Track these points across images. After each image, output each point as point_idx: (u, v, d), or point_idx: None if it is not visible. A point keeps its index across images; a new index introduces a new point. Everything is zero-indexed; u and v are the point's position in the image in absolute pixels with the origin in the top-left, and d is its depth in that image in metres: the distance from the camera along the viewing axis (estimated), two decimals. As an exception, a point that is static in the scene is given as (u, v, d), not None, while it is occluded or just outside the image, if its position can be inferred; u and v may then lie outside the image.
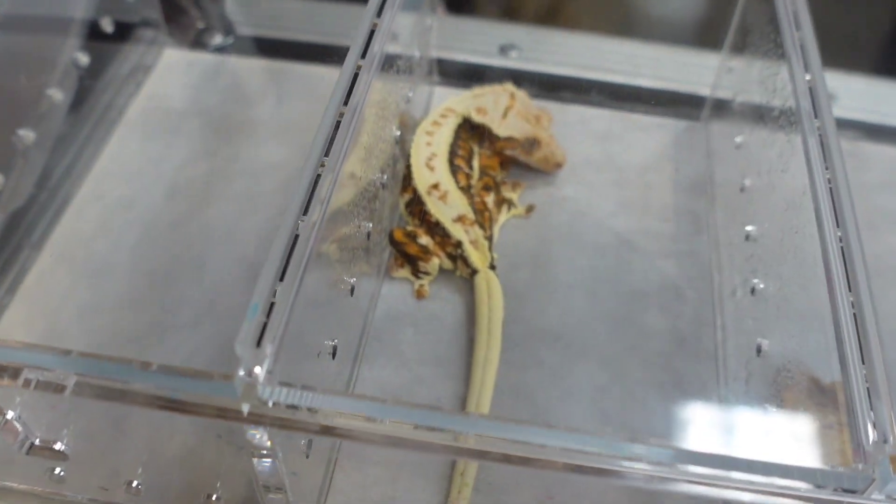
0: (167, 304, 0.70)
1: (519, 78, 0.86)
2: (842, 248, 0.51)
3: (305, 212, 0.50)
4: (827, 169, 0.55)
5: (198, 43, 0.93)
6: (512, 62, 0.91)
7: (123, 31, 0.90)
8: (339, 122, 0.55)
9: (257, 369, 0.43)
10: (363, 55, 0.59)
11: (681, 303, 0.72)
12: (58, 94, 0.79)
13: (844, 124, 0.88)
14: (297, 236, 0.49)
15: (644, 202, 0.79)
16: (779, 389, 0.59)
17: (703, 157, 0.83)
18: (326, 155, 0.53)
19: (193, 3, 0.94)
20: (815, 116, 0.58)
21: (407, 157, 0.74)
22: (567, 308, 0.71)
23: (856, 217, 0.52)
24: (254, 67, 0.91)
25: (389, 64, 0.66)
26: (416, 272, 0.72)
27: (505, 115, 0.77)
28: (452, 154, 0.74)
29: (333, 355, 0.58)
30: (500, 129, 0.76)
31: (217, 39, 0.93)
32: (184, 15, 0.94)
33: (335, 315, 0.59)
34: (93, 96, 0.85)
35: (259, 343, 0.43)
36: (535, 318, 0.70)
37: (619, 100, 0.88)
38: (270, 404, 0.43)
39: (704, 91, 0.87)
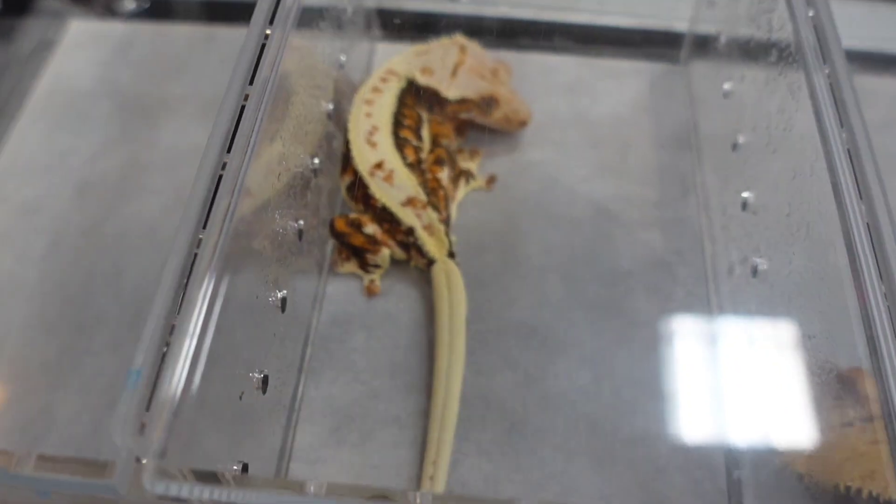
0: (82, 324, 0.60)
1: (474, 26, 0.74)
2: (868, 226, 0.41)
3: (204, 225, 0.40)
4: (843, 127, 0.45)
5: (108, 10, 0.80)
6: (464, 7, 0.79)
7: (20, 3, 0.78)
8: (243, 108, 0.44)
9: (144, 459, 0.33)
10: (272, 18, 0.48)
11: (671, 281, 0.61)
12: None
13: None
14: (193, 259, 0.39)
15: (622, 163, 0.68)
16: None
17: (686, 106, 0.72)
18: (228, 151, 0.42)
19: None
20: (824, 61, 0.47)
21: (345, 132, 0.62)
22: (541, 296, 0.61)
23: (884, 188, 0.42)
24: (174, 35, 0.78)
25: (311, 20, 0.55)
26: (365, 266, 0.61)
27: (454, 72, 0.65)
28: (397, 125, 0.63)
29: (263, 388, 0.48)
30: (451, 90, 0.65)
31: (130, 4, 0.80)
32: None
33: (261, 340, 0.49)
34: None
35: (142, 430, 0.33)
36: (505, 310, 0.60)
37: (586, 43, 0.76)
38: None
39: (682, 26, 0.75)
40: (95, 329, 0.60)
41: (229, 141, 0.43)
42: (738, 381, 0.55)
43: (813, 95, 0.46)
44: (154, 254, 0.63)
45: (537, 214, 0.65)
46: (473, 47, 0.68)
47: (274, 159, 0.49)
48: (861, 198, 0.42)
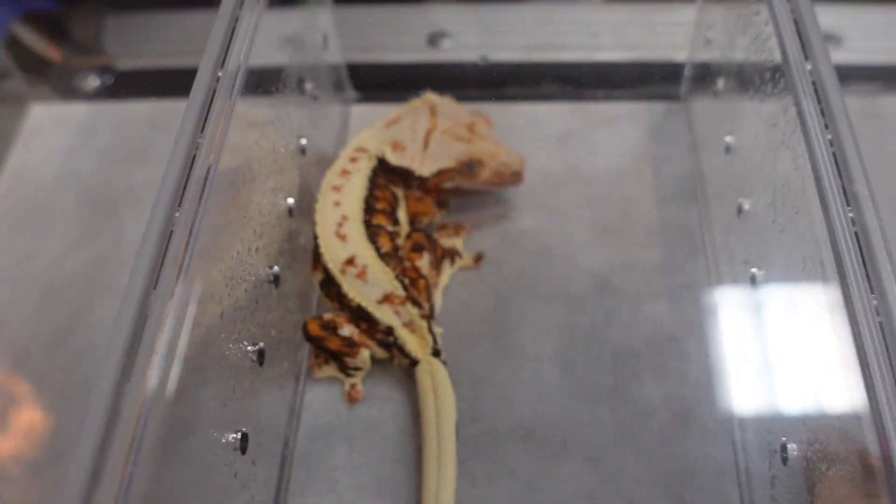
0: (54, 457, 0.56)
1: (455, 75, 0.69)
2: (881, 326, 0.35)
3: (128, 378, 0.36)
4: (828, 128, 0.40)
5: (70, 90, 0.76)
6: (445, 54, 0.74)
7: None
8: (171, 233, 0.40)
9: None
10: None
11: (681, 359, 0.56)
12: None
13: (855, 73, 0.70)
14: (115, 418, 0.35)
15: (623, 223, 0.62)
16: (814, 478, 0.44)
17: (689, 151, 0.66)
18: (154, 286, 0.38)
19: (59, 41, 0.78)
20: (826, 126, 0.42)
21: (313, 225, 0.58)
22: (537, 390, 0.55)
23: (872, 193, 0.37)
24: (138, 113, 0.74)
25: (257, 94, 0.51)
26: (344, 369, 0.56)
27: (426, 143, 0.59)
28: (369, 211, 0.58)
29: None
30: (424, 166, 0.59)
31: (93, 82, 0.76)
32: (47, 58, 0.77)
33: (217, 486, 0.44)
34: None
35: None
36: (499, 410, 0.55)
37: (578, 86, 0.70)
38: None
39: (682, 57, 0.69)
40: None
41: (158, 266, 0.39)
42: (762, 467, 0.49)
43: (817, 178, 0.40)
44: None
45: (531, 293, 0.59)
46: (446, 105, 0.62)
47: (218, 274, 0.44)
48: (872, 292, 0.36)
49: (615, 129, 0.67)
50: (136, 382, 0.36)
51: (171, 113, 0.73)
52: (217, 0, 0.49)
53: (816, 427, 0.41)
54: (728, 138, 0.56)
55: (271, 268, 0.52)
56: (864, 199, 0.38)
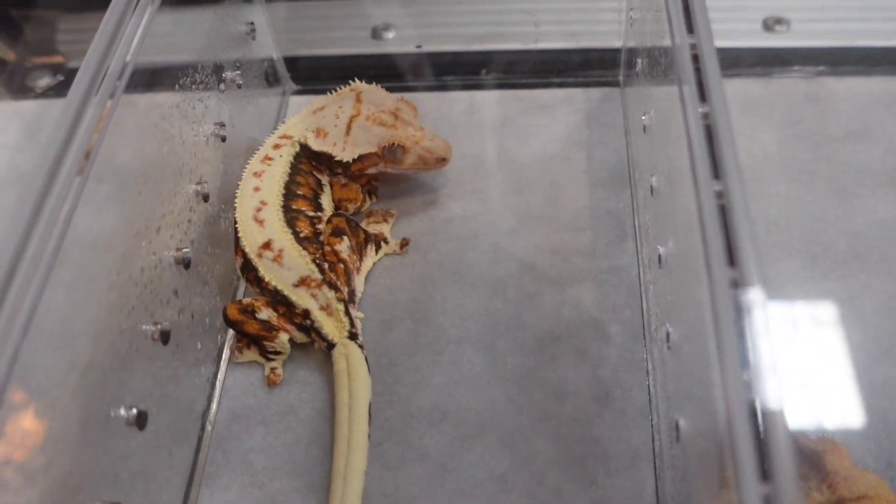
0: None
1: (394, 66, 0.69)
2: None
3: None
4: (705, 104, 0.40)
5: (22, 88, 0.77)
6: (387, 46, 0.74)
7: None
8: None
9: None
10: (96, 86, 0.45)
11: (603, 343, 0.56)
12: None
13: (800, 56, 0.69)
14: None
15: (551, 209, 0.62)
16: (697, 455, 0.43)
17: (623, 134, 0.65)
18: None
19: (15, 41, 0.79)
20: (703, 100, 0.41)
21: (233, 210, 0.58)
22: (456, 374, 0.55)
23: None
24: (86, 107, 0.75)
25: (162, 83, 0.51)
26: (265, 353, 0.57)
27: (349, 129, 0.60)
28: (289, 196, 0.58)
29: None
30: (346, 151, 0.60)
31: (45, 80, 0.77)
32: (1, 58, 0.78)
33: (111, 464, 0.45)
34: None
35: None
36: (415, 393, 0.55)
37: (518, 73, 0.70)
38: None
39: (619, 43, 0.69)
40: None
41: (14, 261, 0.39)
42: (677, 454, 0.49)
43: (689, 146, 0.40)
44: (61, 354, 0.60)
45: (455, 278, 0.60)
46: (372, 92, 0.62)
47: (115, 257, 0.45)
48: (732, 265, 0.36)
49: (551, 116, 0.68)
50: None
51: (123, 105, 0.74)
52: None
53: (698, 402, 0.41)
54: (644, 118, 0.56)
55: (179, 250, 0.52)
56: (731, 174, 0.38)
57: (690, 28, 0.45)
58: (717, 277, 0.36)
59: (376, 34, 0.75)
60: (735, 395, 0.32)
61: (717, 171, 0.39)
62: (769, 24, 0.71)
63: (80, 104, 0.45)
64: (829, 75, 0.68)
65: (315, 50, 0.73)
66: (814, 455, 0.47)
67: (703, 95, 0.42)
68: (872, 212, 0.60)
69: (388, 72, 0.71)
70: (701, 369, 0.40)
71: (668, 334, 0.47)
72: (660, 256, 0.50)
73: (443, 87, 0.70)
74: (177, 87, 0.54)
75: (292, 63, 0.71)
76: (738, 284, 0.35)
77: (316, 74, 0.72)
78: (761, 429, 0.32)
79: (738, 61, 0.70)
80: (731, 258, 0.36)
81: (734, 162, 0.39)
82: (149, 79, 0.50)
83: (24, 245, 0.41)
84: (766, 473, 0.31)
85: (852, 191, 0.61)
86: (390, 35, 0.75)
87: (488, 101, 0.69)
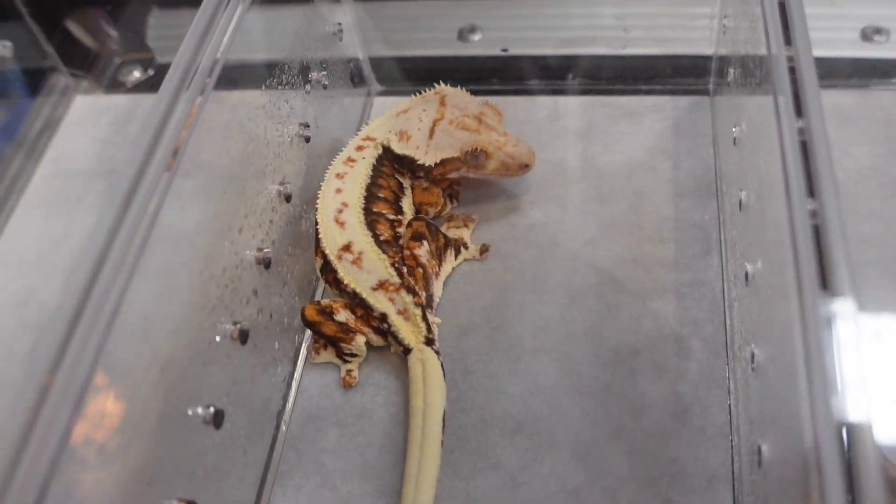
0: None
1: (479, 68, 0.69)
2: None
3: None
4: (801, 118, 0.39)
5: (114, 82, 0.80)
6: (472, 48, 0.74)
7: (34, 83, 0.78)
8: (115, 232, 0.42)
9: None
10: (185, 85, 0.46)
11: (683, 358, 0.55)
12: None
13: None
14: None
15: (634, 218, 0.61)
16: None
17: (711, 144, 0.64)
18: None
19: (104, 36, 0.81)
20: (798, 115, 0.40)
21: (315, 211, 0.59)
22: (531, 383, 0.55)
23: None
24: (174, 103, 0.77)
25: (247, 82, 0.52)
26: (341, 355, 0.57)
27: (432, 132, 0.60)
28: (370, 199, 0.59)
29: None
30: (428, 155, 0.60)
31: (135, 74, 0.79)
32: (90, 51, 0.81)
33: (188, 460, 0.46)
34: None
35: None
36: (490, 402, 0.55)
37: (605, 79, 0.70)
38: None
39: (709, 50, 0.67)
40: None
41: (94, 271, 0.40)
42: (758, 478, 0.48)
43: (783, 161, 0.39)
44: (144, 347, 0.62)
45: (533, 286, 0.59)
46: (456, 96, 0.62)
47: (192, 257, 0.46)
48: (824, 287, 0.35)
49: (637, 123, 0.67)
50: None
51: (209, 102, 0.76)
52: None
53: (784, 429, 0.40)
54: (735, 130, 0.54)
55: (260, 250, 0.53)
56: (827, 193, 0.37)
57: (788, 38, 0.44)
58: (809, 301, 0.35)
59: (462, 36, 0.75)
60: (824, 422, 0.31)
61: (811, 188, 0.38)
62: (868, 34, 0.69)
63: (170, 100, 0.46)
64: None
65: (400, 51, 0.73)
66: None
67: (799, 109, 0.41)
68: (975, 233, 0.58)
69: (472, 74, 0.71)
70: (788, 395, 0.39)
71: (752, 355, 0.46)
72: (747, 274, 0.49)
73: (527, 92, 0.70)
74: (263, 87, 0.55)
75: (378, 63, 0.72)
76: (830, 308, 0.34)
77: (401, 75, 0.72)
78: (849, 456, 0.31)
79: (833, 71, 0.68)
80: (824, 281, 0.35)
81: (831, 180, 0.38)
82: (237, 77, 0.51)
83: (112, 238, 0.41)
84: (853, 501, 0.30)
85: (954, 210, 0.59)
86: (476, 37, 0.75)
87: (573, 107, 0.69)
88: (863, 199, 0.60)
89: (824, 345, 0.33)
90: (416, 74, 0.72)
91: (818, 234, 0.36)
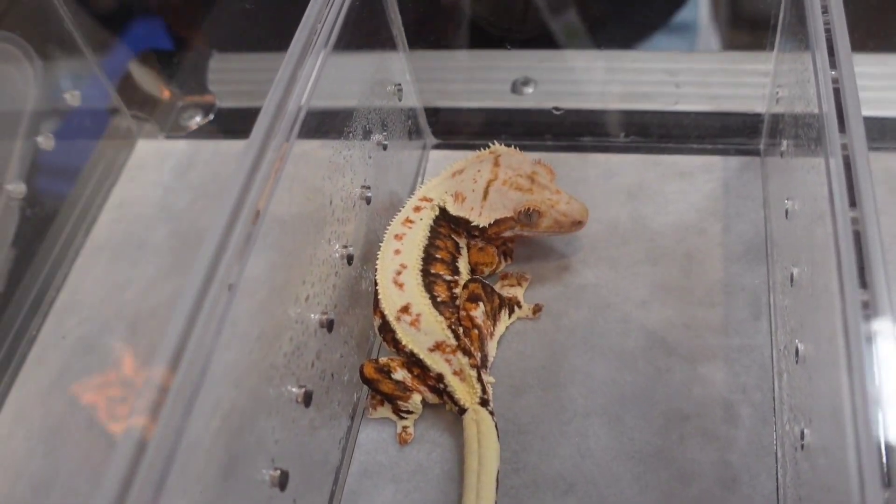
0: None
1: (531, 122, 0.72)
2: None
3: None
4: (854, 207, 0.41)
5: (174, 127, 0.83)
6: (525, 101, 0.77)
7: (95, 126, 0.82)
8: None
9: None
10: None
11: (732, 425, 0.57)
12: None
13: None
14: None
15: (685, 281, 0.64)
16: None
17: (761, 207, 0.66)
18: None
19: (168, 80, 0.85)
20: (852, 205, 0.42)
21: (374, 271, 0.62)
22: (582, 445, 0.58)
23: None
24: (233, 149, 0.80)
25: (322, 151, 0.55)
26: (398, 412, 0.60)
27: (486, 194, 0.63)
28: (428, 260, 0.62)
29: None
30: (483, 216, 0.62)
31: (195, 119, 0.83)
32: (156, 96, 0.84)
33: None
34: (60, 210, 0.77)
35: None
36: (542, 462, 0.57)
37: (656, 137, 0.72)
38: None
39: (761, 109, 0.69)
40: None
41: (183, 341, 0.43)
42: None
43: (837, 253, 0.41)
44: (206, 392, 0.65)
45: (585, 347, 0.62)
46: (509, 155, 0.65)
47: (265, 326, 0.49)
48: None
49: (688, 183, 0.69)
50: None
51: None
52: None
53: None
54: (788, 202, 0.57)
55: (324, 314, 0.56)
56: (879, 284, 0.39)
57: (842, 128, 0.46)
58: (858, 392, 0.37)
59: (516, 88, 0.77)
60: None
61: (864, 279, 0.40)
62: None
63: (260, 147, 0.48)
64: None
65: (455, 102, 0.76)
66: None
67: (852, 200, 0.43)
68: None
69: (526, 129, 0.74)
70: (838, 479, 0.41)
71: (802, 433, 0.48)
72: (797, 349, 0.51)
73: (580, 148, 0.72)
74: (330, 145, 0.58)
75: (433, 114, 0.75)
76: (878, 399, 0.36)
77: (456, 128, 0.75)
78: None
79: (888, 133, 0.69)
80: (872, 372, 0.37)
81: (882, 272, 0.40)
82: (306, 140, 0.54)
83: (196, 314, 0.43)
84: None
85: None
86: (529, 90, 0.77)
87: (625, 165, 0.71)
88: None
89: (873, 438, 0.35)
90: (470, 128, 0.74)
91: (868, 321, 0.39)
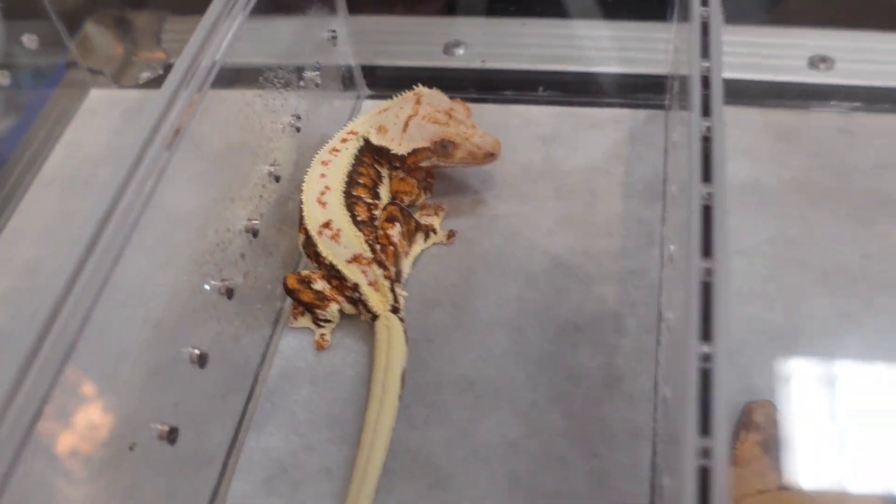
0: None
1: (459, 78, 0.80)
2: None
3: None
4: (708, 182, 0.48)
5: (126, 79, 0.90)
6: (459, 61, 0.85)
7: (54, 74, 0.89)
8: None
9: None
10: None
11: (619, 334, 0.64)
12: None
13: (840, 93, 0.77)
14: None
15: (587, 214, 0.71)
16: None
17: (662, 153, 0.74)
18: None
19: (124, 38, 0.92)
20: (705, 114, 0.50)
21: (300, 193, 0.69)
22: (484, 351, 0.65)
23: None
24: (181, 99, 0.88)
25: (254, 78, 0.63)
26: (317, 321, 0.67)
27: (406, 127, 0.70)
28: (350, 184, 0.69)
29: (171, 440, 0.54)
30: (401, 146, 0.70)
31: (146, 73, 0.90)
32: (107, 50, 0.92)
33: (172, 394, 0.55)
34: (13, 152, 0.84)
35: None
36: (446, 365, 0.64)
37: (572, 93, 0.80)
38: None
39: (665, 70, 0.78)
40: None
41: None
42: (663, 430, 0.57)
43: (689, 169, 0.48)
44: (136, 311, 0.71)
45: (494, 269, 0.69)
46: (431, 96, 0.72)
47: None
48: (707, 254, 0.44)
49: (599, 132, 0.77)
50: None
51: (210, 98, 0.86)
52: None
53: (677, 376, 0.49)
54: (674, 136, 0.64)
55: (251, 220, 0.63)
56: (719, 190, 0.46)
57: (706, 52, 0.53)
58: (693, 270, 0.44)
59: (447, 50, 0.85)
60: (691, 365, 0.41)
61: (706, 175, 0.47)
62: (814, 62, 0.79)
63: (173, 92, 0.56)
64: (863, 111, 0.76)
65: (390, 61, 0.84)
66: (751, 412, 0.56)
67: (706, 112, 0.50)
68: (886, 237, 0.67)
69: (454, 84, 0.81)
70: (681, 346, 0.48)
71: (667, 319, 0.56)
72: (671, 255, 0.58)
73: (503, 101, 0.80)
74: (261, 79, 0.65)
75: (369, 70, 0.82)
76: (709, 277, 0.43)
77: (389, 82, 0.82)
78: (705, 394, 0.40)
79: (781, 93, 0.78)
80: (707, 250, 0.44)
81: (721, 173, 0.47)
82: (236, 75, 0.61)
83: (110, 214, 0.50)
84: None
85: (871, 218, 0.68)
86: (460, 51, 0.85)
87: (543, 116, 0.79)
88: (794, 206, 0.70)
89: (698, 304, 0.42)
90: (402, 83, 0.81)
91: (707, 214, 0.46)
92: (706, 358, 0.40)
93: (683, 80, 0.63)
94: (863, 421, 0.58)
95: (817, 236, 0.68)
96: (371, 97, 0.83)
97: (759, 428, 0.56)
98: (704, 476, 0.37)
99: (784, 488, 0.53)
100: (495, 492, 0.58)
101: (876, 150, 0.73)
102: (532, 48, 0.84)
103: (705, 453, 0.37)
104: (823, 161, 0.73)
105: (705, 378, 0.40)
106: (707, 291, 0.42)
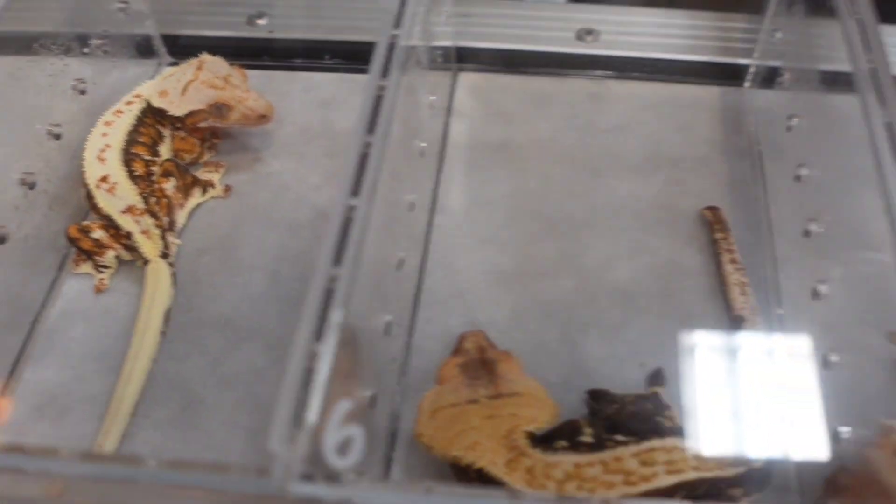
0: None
1: (254, 47, 0.87)
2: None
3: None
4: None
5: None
6: (260, 31, 0.92)
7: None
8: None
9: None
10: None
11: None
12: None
13: (599, 62, 0.86)
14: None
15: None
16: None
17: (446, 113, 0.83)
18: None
19: None
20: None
21: (82, 150, 0.76)
22: (244, 292, 0.73)
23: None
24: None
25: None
26: (97, 266, 0.74)
27: (184, 90, 0.78)
28: (130, 143, 0.76)
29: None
30: (178, 107, 0.77)
31: None
32: None
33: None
34: None
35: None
36: (208, 304, 0.72)
37: (353, 60, 0.88)
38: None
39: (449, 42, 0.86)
40: None
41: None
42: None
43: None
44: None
45: (262, 221, 0.77)
46: (212, 63, 0.80)
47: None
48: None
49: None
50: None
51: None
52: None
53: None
54: (433, 98, 0.73)
55: (27, 173, 0.70)
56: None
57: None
58: (339, 207, 0.52)
59: (251, 21, 0.92)
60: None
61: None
62: (581, 35, 0.88)
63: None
64: (615, 79, 0.85)
65: (193, 31, 0.91)
66: (491, 362, 0.63)
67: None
68: (613, 189, 0.76)
69: (252, 52, 0.88)
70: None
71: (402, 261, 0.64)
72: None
73: (290, 68, 0.88)
74: (35, 46, 0.72)
75: (172, 39, 0.89)
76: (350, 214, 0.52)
77: (192, 51, 0.89)
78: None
79: (547, 63, 0.86)
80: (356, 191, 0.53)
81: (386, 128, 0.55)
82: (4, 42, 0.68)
83: None
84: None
85: (602, 172, 0.78)
86: (263, 22, 0.92)
87: (324, 82, 0.87)
88: (538, 163, 0.79)
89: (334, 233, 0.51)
90: (206, 51, 0.89)
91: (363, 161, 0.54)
92: (333, 279, 0.49)
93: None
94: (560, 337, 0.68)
95: (553, 189, 0.77)
96: (172, 64, 0.89)
97: (465, 353, 0.64)
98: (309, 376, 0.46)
99: (473, 401, 0.61)
100: (239, 413, 0.66)
101: (618, 112, 0.82)
102: (324, 19, 0.91)
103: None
104: (572, 123, 0.82)
105: (329, 296, 0.48)
106: (346, 226, 0.51)
